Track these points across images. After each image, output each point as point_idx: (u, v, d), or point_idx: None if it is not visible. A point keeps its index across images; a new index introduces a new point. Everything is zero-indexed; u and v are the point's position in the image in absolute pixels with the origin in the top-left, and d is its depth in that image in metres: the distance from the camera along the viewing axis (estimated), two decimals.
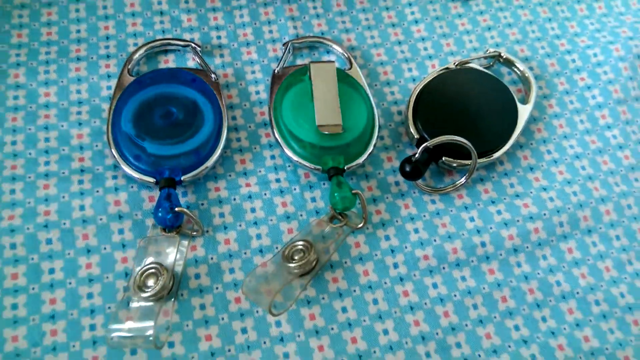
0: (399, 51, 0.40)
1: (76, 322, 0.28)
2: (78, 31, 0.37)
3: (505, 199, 0.35)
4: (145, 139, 0.31)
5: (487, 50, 0.40)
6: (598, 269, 0.33)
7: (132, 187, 0.32)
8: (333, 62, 0.35)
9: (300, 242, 0.30)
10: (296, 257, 0.29)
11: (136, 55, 0.35)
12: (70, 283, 0.29)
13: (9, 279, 0.29)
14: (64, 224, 0.30)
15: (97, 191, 0.32)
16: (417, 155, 0.32)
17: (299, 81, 0.35)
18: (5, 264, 0.29)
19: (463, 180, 0.34)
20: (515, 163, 0.36)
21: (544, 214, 0.34)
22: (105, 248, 0.30)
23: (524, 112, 0.37)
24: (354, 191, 0.31)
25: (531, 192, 0.35)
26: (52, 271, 0.29)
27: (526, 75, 0.39)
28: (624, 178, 0.37)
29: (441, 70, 0.38)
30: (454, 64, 0.38)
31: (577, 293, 0.32)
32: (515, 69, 0.39)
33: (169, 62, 0.37)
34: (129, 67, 0.35)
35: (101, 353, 0.27)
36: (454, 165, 0.34)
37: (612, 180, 0.36)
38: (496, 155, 0.35)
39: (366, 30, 0.41)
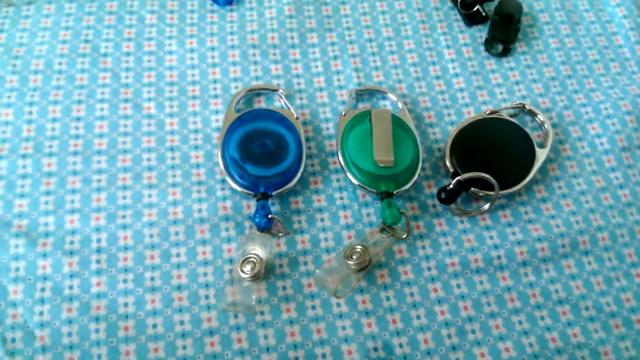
0: (441, 99, 0.51)
1: (195, 293, 0.40)
2: (193, 75, 0.50)
3: (520, 223, 0.45)
4: (247, 162, 0.43)
5: (514, 102, 0.50)
6: (590, 282, 0.43)
7: (235, 197, 0.44)
8: (389, 109, 0.46)
9: (359, 246, 0.41)
10: (354, 257, 0.40)
11: (238, 97, 0.47)
12: (191, 264, 0.41)
13: (148, 259, 0.41)
14: (188, 221, 0.42)
15: (211, 199, 0.43)
16: (451, 186, 0.43)
17: (361, 122, 0.46)
18: (145, 247, 0.41)
19: (487, 206, 0.44)
20: (531, 195, 0.46)
21: (550, 237, 0.44)
22: (215, 241, 0.42)
23: (541, 154, 0.46)
24: (400, 211, 0.42)
25: (542, 220, 0.45)
26: (178, 255, 0.41)
27: (545, 124, 0.48)
28: (620, 212, 0.46)
29: (475, 117, 0.48)
30: (486, 112, 0.49)
31: (571, 300, 0.42)
32: (537, 119, 0.49)
33: (260, 102, 0.49)
34: (233, 106, 0.47)
35: (213, 315, 0.39)
36: (481, 194, 0.44)
37: (610, 214, 0.46)
38: (515, 188, 0.45)
39: (415, 82, 0.51)
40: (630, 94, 0.52)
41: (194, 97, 0.49)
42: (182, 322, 0.39)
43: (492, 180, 0.43)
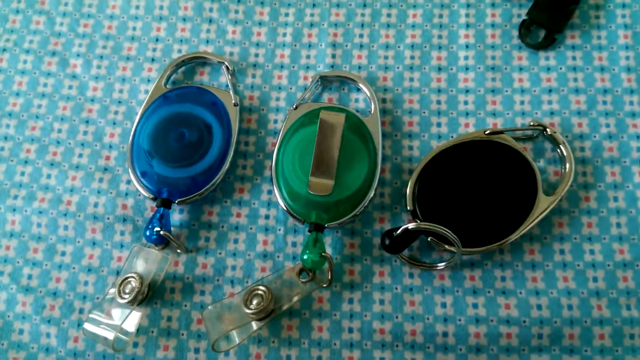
0: (435, 101, 0.39)
1: (70, 303, 0.35)
2: (134, 28, 0.41)
3: (489, 292, 0.34)
4: (154, 157, 0.36)
5: (531, 122, 0.37)
6: None
7: (139, 195, 0.37)
8: (343, 114, 0.35)
9: (262, 288, 0.33)
10: (254, 302, 0.33)
11: (171, 67, 0.39)
12: (74, 268, 0.36)
13: (30, 252, 0.36)
14: (79, 215, 0.37)
15: (111, 192, 0.37)
16: (397, 232, 0.33)
17: (311, 122, 0.36)
18: (31, 238, 0.36)
19: (442, 266, 0.34)
20: (517, 256, 0.35)
21: (524, 321, 0.33)
22: (106, 244, 0.36)
23: (545, 204, 0.34)
24: (323, 254, 0.33)
25: (520, 293, 0.34)
26: (63, 254, 0.36)
27: (567, 162, 0.35)
28: None
29: (467, 136, 0.36)
30: (485, 131, 0.36)
31: None
32: (558, 151, 0.36)
33: (204, 74, 0.40)
34: (165, 78, 0.38)
35: (81, 335, 0.34)
36: (442, 248, 0.34)
37: (624, 302, 0.33)
38: (492, 246, 0.33)
39: (407, 71, 0.39)
40: None
41: (127, 58, 0.41)
42: (48, 335, 0.34)
43: (453, 237, 0.32)
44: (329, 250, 0.35)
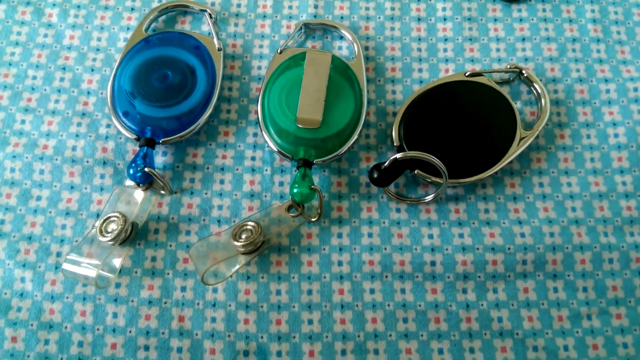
0: (416, 48, 0.41)
1: (46, 247, 0.35)
2: None
3: (473, 223, 0.36)
4: (137, 97, 0.36)
5: (508, 65, 0.39)
6: (550, 315, 0.34)
7: (120, 138, 0.37)
8: (329, 53, 0.37)
9: (251, 223, 0.34)
10: (243, 236, 0.33)
11: (153, 14, 0.40)
12: (50, 212, 0.35)
13: (3, 197, 0.36)
14: (56, 159, 0.36)
15: (90, 136, 0.37)
16: (386, 164, 0.34)
17: (296, 65, 0.38)
18: (4, 183, 0.36)
19: (429, 198, 0.36)
20: (498, 189, 0.37)
21: (508, 248, 0.35)
22: (86, 188, 0.36)
23: (524, 138, 0.37)
24: (313, 187, 0.34)
25: (503, 223, 0.36)
26: (39, 198, 0.36)
27: (542, 99, 0.38)
28: (616, 230, 0.36)
29: (448, 78, 0.39)
30: (466, 73, 0.39)
31: (517, 334, 0.34)
32: (534, 90, 0.39)
33: (185, 22, 0.41)
34: (145, 24, 0.39)
35: (59, 278, 0.34)
36: (428, 180, 0.36)
37: (602, 229, 0.36)
38: (474, 178, 0.36)
39: (388, 21, 0.42)
40: None
41: (106, 7, 0.41)
42: (22, 280, 0.34)
43: (440, 164, 0.34)
44: None
